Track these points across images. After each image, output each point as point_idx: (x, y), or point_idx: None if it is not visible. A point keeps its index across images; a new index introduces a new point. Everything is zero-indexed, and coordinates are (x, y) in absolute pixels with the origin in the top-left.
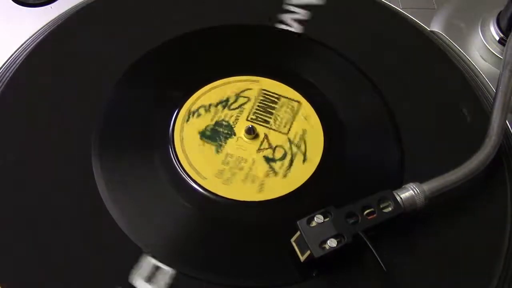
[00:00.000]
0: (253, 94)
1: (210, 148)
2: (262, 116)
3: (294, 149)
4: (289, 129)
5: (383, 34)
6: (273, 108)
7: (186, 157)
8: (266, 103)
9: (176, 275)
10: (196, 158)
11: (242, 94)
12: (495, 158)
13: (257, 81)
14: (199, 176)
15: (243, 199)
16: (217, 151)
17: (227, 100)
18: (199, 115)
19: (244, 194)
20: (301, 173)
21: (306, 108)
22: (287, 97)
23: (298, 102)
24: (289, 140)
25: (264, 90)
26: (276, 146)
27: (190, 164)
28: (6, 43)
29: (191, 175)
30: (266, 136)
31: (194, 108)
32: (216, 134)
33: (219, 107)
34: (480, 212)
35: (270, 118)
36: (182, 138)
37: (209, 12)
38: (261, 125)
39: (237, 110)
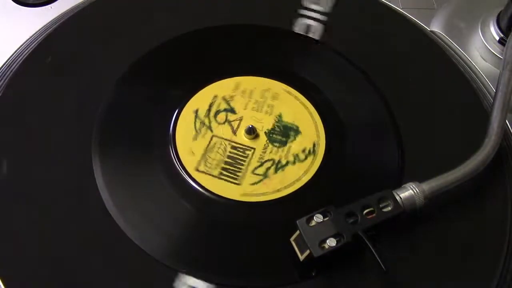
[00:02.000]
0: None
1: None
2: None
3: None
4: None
5: (383, 34)
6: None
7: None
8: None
9: None
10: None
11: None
12: (495, 158)
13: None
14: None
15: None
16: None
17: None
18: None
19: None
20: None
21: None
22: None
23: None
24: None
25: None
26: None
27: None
28: (6, 43)
29: (192, 174)
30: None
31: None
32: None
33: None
34: (480, 212)
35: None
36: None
37: (211, 11)
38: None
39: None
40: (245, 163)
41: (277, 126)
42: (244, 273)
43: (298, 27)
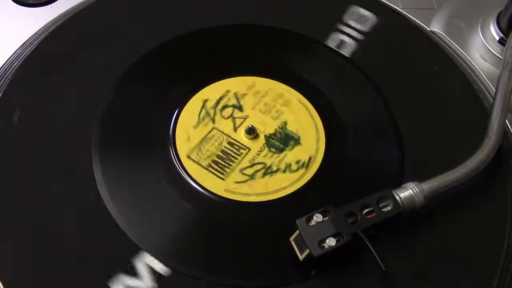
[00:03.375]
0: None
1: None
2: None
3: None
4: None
5: (383, 34)
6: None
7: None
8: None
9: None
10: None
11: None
12: (495, 158)
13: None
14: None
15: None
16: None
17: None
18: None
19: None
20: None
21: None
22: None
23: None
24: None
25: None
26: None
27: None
28: (6, 43)
29: (192, 174)
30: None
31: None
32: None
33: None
34: (480, 212)
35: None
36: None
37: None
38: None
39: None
40: (236, 161)
41: (279, 132)
42: (244, 273)
43: (331, 41)
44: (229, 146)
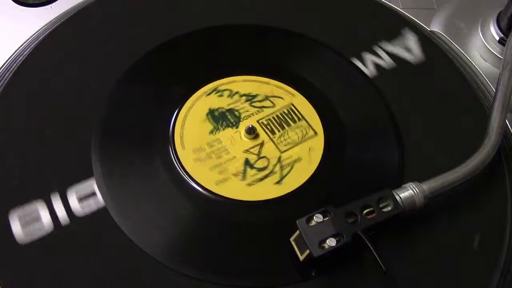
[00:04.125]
0: (281, 103)
1: (207, 127)
2: (272, 126)
3: (277, 168)
4: (287, 150)
5: (383, 34)
6: (289, 125)
7: (181, 136)
8: (286, 117)
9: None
10: (189, 129)
11: (271, 98)
12: (495, 158)
13: (293, 95)
14: (182, 150)
15: (201, 183)
16: (212, 132)
17: (254, 96)
18: (221, 95)
19: (203, 178)
20: (268, 191)
21: (318, 142)
22: (308, 123)
23: (315, 132)
24: (279, 158)
25: (293, 105)
26: (263, 156)
27: (181, 137)
28: (6, 43)
29: (192, 174)
30: (261, 144)
31: (221, 88)
32: (221, 118)
33: (243, 98)
34: (480, 212)
35: (279, 131)
36: (190, 108)
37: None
38: (266, 133)
39: (256, 109)
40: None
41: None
42: (244, 273)
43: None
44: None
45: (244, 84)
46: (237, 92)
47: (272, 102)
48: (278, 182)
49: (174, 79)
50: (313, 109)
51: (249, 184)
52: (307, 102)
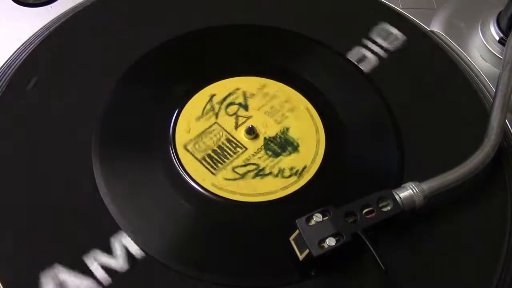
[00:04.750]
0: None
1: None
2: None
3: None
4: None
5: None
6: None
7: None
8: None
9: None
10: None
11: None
12: (495, 157)
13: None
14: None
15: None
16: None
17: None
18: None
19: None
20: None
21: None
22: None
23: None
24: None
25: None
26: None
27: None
28: (6, 43)
29: (191, 174)
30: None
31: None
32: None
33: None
34: (480, 212)
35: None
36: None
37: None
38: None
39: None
40: (231, 158)
41: (280, 137)
42: (243, 273)
43: (353, 54)
44: (226, 143)
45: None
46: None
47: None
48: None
49: (174, 79)
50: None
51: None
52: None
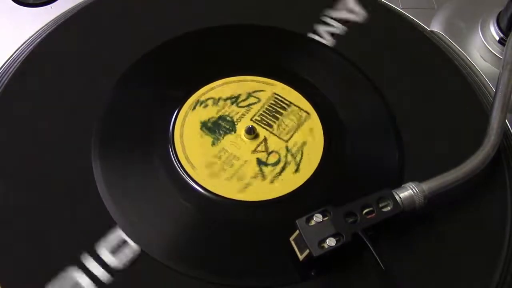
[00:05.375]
0: (264, 96)
1: (207, 140)
2: (267, 119)
3: (289, 158)
4: (290, 137)
5: (383, 34)
6: (281, 113)
7: (183, 149)
8: (275, 107)
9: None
10: (191, 147)
11: (253, 94)
12: (495, 157)
13: (273, 85)
14: (193, 170)
15: (225, 195)
16: (213, 144)
17: (237, 97)
18: (206, 105)
19: (226, 190)
20: (290, 182)
21: (314, 120)
22: (298, 106)
23: (307, 113)
24: (287, 148)
25: (277, 94)
26: (272, 151)
27: (186, 156)
28: (6, 43)
29: (191, 174)
30: (265, 140)
31: (203, 98)
32: (216, 127)
33: (228, 102)
34: (480, 212)
35: (275, 122)
36: (183, 126)
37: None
38: (264, 128)
39: (244, 109)
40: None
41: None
42: (243, 273)
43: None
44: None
45: (224, 88)
46: (220, 98)
47: (256, 97)
48: (296, 171)
49: (174, 79)
50: (296, 92)
51: (271, 181)
52: (288, 87)
